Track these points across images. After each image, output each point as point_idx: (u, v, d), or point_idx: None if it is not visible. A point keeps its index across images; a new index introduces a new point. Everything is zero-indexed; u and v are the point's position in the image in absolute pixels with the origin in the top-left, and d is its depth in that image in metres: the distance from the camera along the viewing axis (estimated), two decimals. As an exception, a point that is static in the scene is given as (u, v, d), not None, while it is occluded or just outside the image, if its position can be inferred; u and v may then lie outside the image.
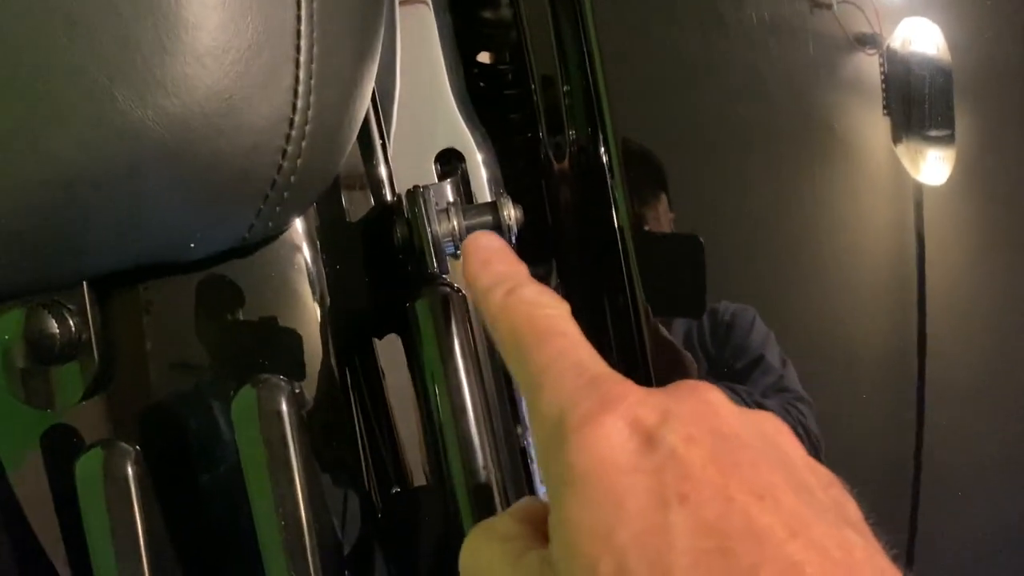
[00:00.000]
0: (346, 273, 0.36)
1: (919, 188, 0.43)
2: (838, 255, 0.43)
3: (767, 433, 0.24)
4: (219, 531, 0.32)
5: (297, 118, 0.29)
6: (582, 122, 0.43)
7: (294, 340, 0.33)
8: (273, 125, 0.28)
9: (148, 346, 0.31)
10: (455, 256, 0.35)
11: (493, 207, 0.36)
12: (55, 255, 0.28)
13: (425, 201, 0.34)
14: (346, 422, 0.35)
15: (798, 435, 0.42)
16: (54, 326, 0.29)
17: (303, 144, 0.30)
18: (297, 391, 0.30)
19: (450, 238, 0.35)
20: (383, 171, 0.38)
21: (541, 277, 0.48)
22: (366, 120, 0.38)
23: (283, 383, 0.29)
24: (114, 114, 0.26)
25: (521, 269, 0.29)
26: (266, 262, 0.33)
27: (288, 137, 0.29)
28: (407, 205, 0.35)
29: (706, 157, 0.43)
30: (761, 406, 0.43)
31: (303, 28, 0.28)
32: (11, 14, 0.25)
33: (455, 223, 0.35)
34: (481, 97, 0.46)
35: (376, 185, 0.38)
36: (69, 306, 0.30)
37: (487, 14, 0.50)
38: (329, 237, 0.35)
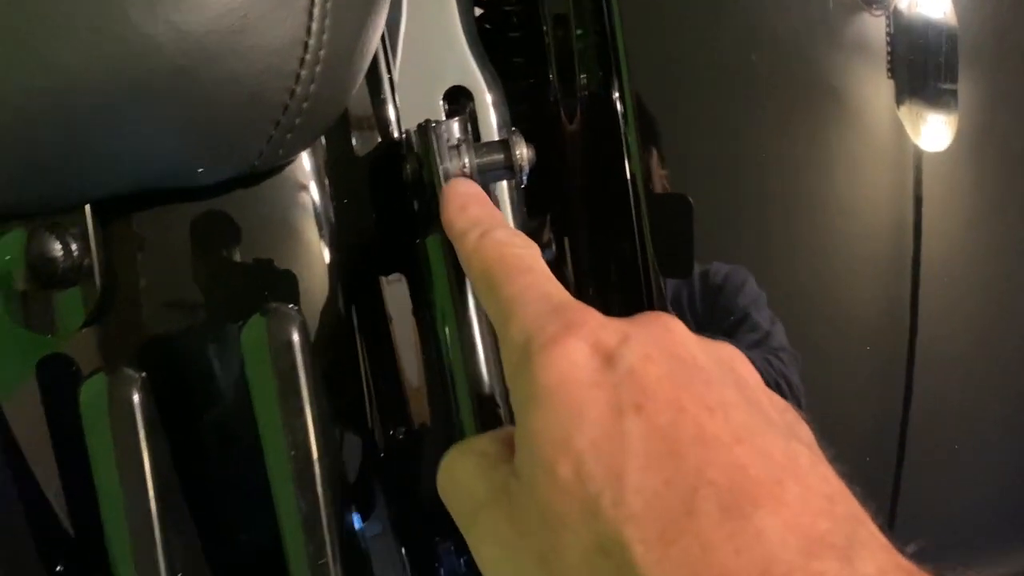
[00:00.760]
0: (352, 209, 0.35)
1: (919, 152, 0.43)
2: (836, 214, 0.43)
3: (723, 359, 0.26)
4: (224, 460, 0.31)
5: (312, 41, 0.28)
6: (594, 66, 0.42)
7: (300, 274, 0.33)
8: (287, 47, 0.28)
9: (151, 274, 0.31)
10: None
11: (505, 145, 0.35)
12: (56, 172, 0.27)
13: (437, 136, 0.33)
14: (350, 359, 0.34)
15: (779, 387, 0.43)
16: (57, 248, 0.28)
17: (316, 69, 0.29)
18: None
19: (460, 175, 0.34)
20: (390, 106, 0.38)
21: (540, 226, 0.48)
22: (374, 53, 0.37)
23: (294, 312, 0.28)
24: (123, 27, 0.25)
25: (496, 213, 0.30)
26: (273, 194, 0.32)
27: (302, 61, 0.28)
28: (418, 140, 0.34)
29: (709, 113, 0.43)
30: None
31: (320, -55, 0.27)
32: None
33: (466, 160, 0.34)
34: (487, 39, 0.45)
35: (383, 121, 0.37)
36: (71, 230, 0.29)
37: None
38: (336, 172, 0.35)
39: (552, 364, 0.23)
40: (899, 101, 0.43)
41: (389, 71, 0.38)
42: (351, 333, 0.35)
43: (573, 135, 0.45)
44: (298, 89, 0.29)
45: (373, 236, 0.36)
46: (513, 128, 0.36)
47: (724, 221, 0.43)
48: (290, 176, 0.33)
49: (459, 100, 0.40)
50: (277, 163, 0.31)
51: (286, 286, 0.32)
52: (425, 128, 0.34)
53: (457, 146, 0.34)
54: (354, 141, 0.36)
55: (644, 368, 0.23)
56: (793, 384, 0.44)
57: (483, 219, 0.29)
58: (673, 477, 0.21)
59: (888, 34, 0.43)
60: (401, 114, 0.38)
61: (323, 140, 0.34)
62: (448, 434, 0.38)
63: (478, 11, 0.49)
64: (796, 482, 0.21)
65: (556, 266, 0.43)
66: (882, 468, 0.45)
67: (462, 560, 0.41)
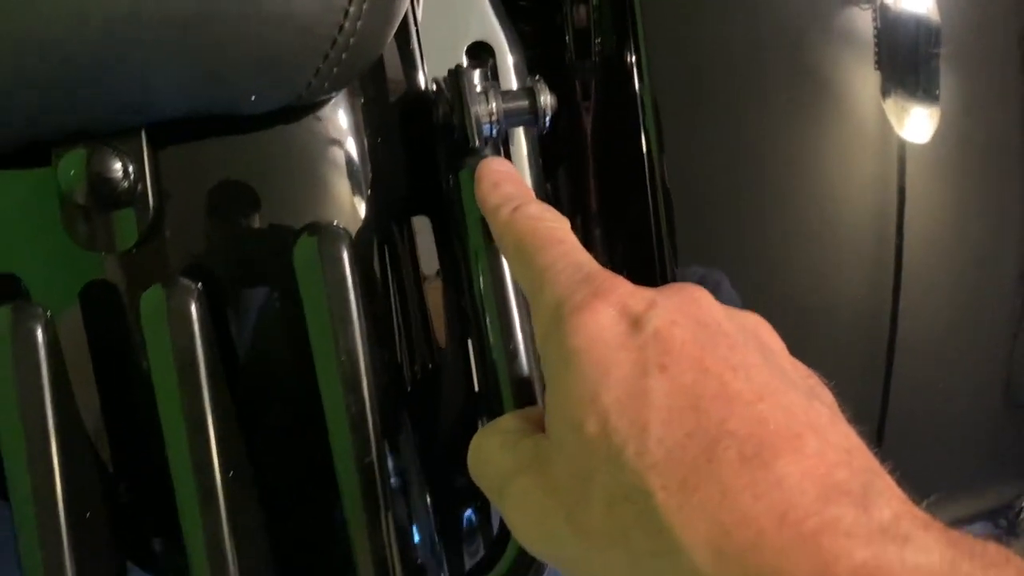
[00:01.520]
0: (384, 150, 0.37)
1: (903, 145, 0.44)
2: (821, 204, 0.44)
3: (748, 326, 0.27)
4: (273, 374, 0.33)
5: (361, -20, 0.30)
6: (609, 30, 0.44)
7: (336, 206, 0.34)
8: (340, -17, 0.29)
9: (201, 198, 0.32)
10: (492, 138, 0.37)
11: (530, 92, 0.37)
12: (118, 94, 0.29)
13: (468, 79, 0.35)
14: (383, 291, 0.36)
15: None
16: (115, 168, 0.30)
17: (364, 6, 0.30)
18: None
19: (488, 119, 0.36)
20: (417, 56, 0.39)
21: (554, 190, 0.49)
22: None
23: (343, 230, 0.30)
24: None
25: (527, 190, 0.32)
26: (314, 128, 0.34)
27: (351, -2, 0.30)
28: (449, 83, 0.36)
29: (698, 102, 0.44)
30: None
31: None
32: None
33: (493, 105, 0.36)
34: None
35: (410, 70, 0.39)
36: (128, 154, 0.30)
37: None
38: (370, 113, 0.36)
39: (581, 327, 0.25)
40: (885, 93, 0.43)
41: (415, 23, 0.40)
42: (384, 267, 0.36)
43: (586, 103, 0.46)
44: (346, 25, 0.30)
45: (403, 177, 0.38)
46: (537, 76, 0.38)
47: (708, 208, 0.44)
48: (330, 113, 0.34)
49: (480, 56, 0.42)
50: (321, 96, 0.33)
51: (323, 216, 0.34)
52: (457, 72, 0.36)
53: (484, 92, 0.36)
54: (386, 84, 0.38)
55: (669, 331, 0.24)
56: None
57: (515, 195, 0.31)
58: (695, 429, 0.22)
59: (875, 27, 0.44)
60: (426, 65, 0.40)
61: (358, 83, 0.36)
62: (467, 371, 0.40)
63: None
64: (815, 436, 0.22)
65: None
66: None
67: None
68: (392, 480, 0.32)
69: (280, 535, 0.33)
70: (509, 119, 0.37)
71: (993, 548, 0.21)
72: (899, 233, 0.44)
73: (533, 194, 0.31)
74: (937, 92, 0.44)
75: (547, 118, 0.37)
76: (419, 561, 0.35)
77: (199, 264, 0.32)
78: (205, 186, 0.32)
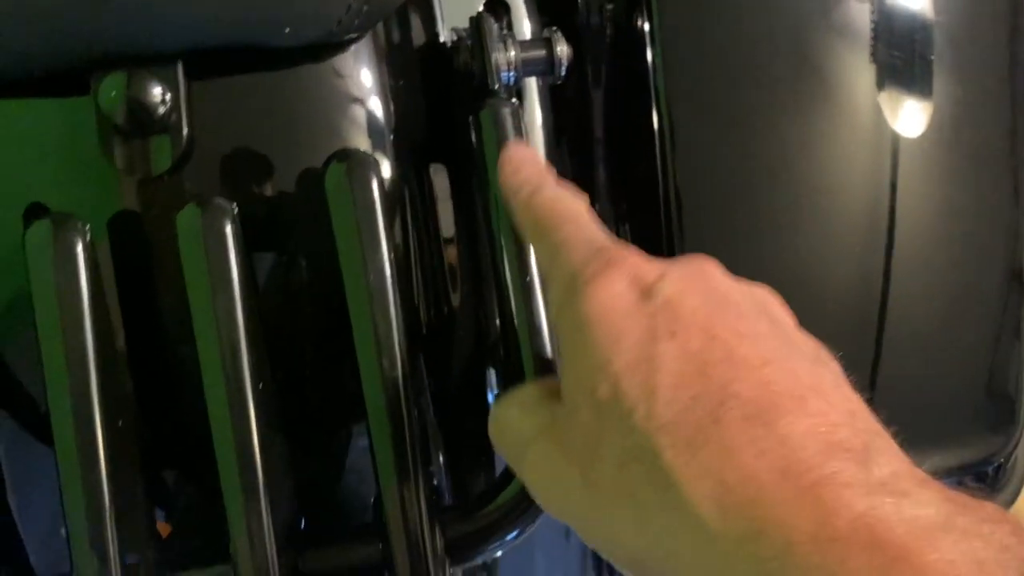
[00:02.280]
0: (407, 92, 0.38)
1: (896, 138, 0.44)
2: (813, 195, 0.44)
3: (757, 298, 0.28)
4: (303, 297, 0.34)
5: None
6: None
7: (361, 143, 0.35)
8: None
9: (231, 130, 0.33)
10: (509, 86, 0.38)
11: (547, 43, 0.38)
12: (158, 16, 0.30)
13: (489, 25, 0.37)
14: (402, 229, 0.37)
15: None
16: (153, 93, 0.31)
17: (394, -53, 0.32)
18: None
19: (506, 66, 0.37)
20: (437, 6, 0.41)
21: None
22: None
23: (371, 157, 0.31)
24: None
25: (547, 173, 0.33)
26: (341, 69, 0.35)
27: (384, -65, 0.31)
28: (471, 29, 0.37)
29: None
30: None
31: None
32: None
33: (512, 53, 0.37)
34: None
35: (430, 20, 0.41)
36: (165, 82, 0.31)
37: None
38: (393, 57, 0.38)
39: (594, 296, 0.26)
40: (880, 86, 0.44)
41: None
42: (404, 209, 0.37)
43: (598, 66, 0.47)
44: (378, -38, 0.32)
45: (423, 122, 0.39)
46: (553, 27, 0.39)
47: (700, 195, 0.45)
48: (356, 54, 0.36)
49: (496, 11, 0.43)
50: (351, 33, 0.34)
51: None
52: (479, 18, 0.37)
53: (503, 40, 0.38)
54: (408, 35, 0.39)
55: (680, 300, 0.25)
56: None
57: (535, 177, 0.32)
58: (701, 392, 0.23)
59: (872, 19, 0.45)
60: (445, 17, 0.41)
61: (383, 28, 0.37)
62: (479, 319, 0.42)
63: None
64: (819, 397, 0.23)
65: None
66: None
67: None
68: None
69: (306, 455, 0.34)
70: (526, 67, 0.38)
71: (990, 506, 0.21)
72: (890, 225, 0.44)
73: (553, 177, 0.32)
74: (931, 86, 0.44)
75: (563, 67, 0.39)
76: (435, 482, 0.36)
77: (230, 191, 0.33)
78: (237, 118, 0.33)
